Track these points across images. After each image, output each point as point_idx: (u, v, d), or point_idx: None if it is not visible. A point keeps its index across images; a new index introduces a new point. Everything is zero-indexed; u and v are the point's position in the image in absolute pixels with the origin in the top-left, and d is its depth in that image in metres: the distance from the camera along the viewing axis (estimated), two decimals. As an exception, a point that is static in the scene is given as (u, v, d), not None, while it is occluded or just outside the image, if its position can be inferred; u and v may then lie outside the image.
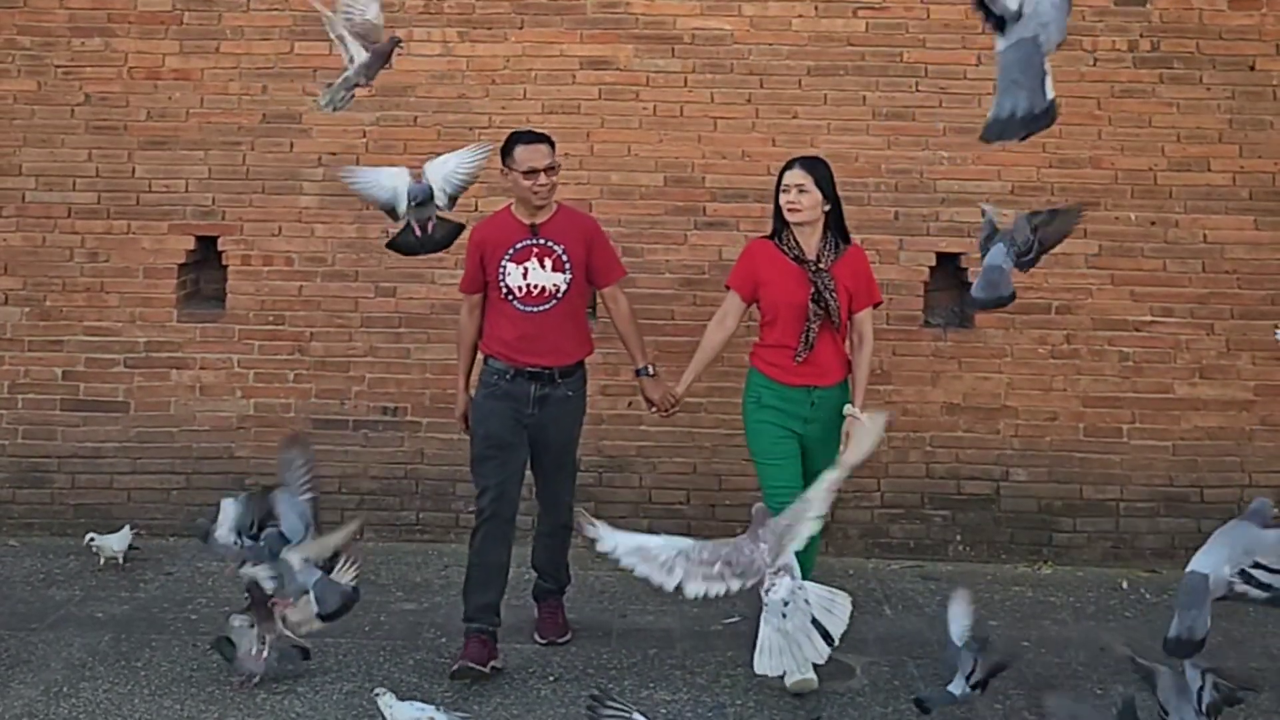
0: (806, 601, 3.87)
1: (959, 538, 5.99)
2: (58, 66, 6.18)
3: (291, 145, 6.15)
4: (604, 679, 4.58)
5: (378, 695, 4.01)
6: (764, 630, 3.91)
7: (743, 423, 4.75)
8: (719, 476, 6.04)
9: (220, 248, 6.18)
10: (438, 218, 4.39)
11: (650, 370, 4.85)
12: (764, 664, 3.92)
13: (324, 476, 6.06)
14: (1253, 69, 6.03)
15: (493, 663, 4.49)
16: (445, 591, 5.34)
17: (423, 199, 4.32)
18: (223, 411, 6.14)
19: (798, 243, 4.57)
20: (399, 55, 4.40)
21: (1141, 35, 6.03)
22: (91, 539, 5.63)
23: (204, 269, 6.32)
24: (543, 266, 4.60)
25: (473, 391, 4.79)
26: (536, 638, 4.87)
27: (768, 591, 3.89)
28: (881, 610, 5.31)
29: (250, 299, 6.15)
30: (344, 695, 4.39)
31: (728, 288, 4.73)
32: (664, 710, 4.32)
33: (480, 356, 4.81)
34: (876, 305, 4.78)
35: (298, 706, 4.29)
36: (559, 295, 4.61)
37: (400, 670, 4.61)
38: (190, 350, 6.15)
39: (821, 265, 4.53)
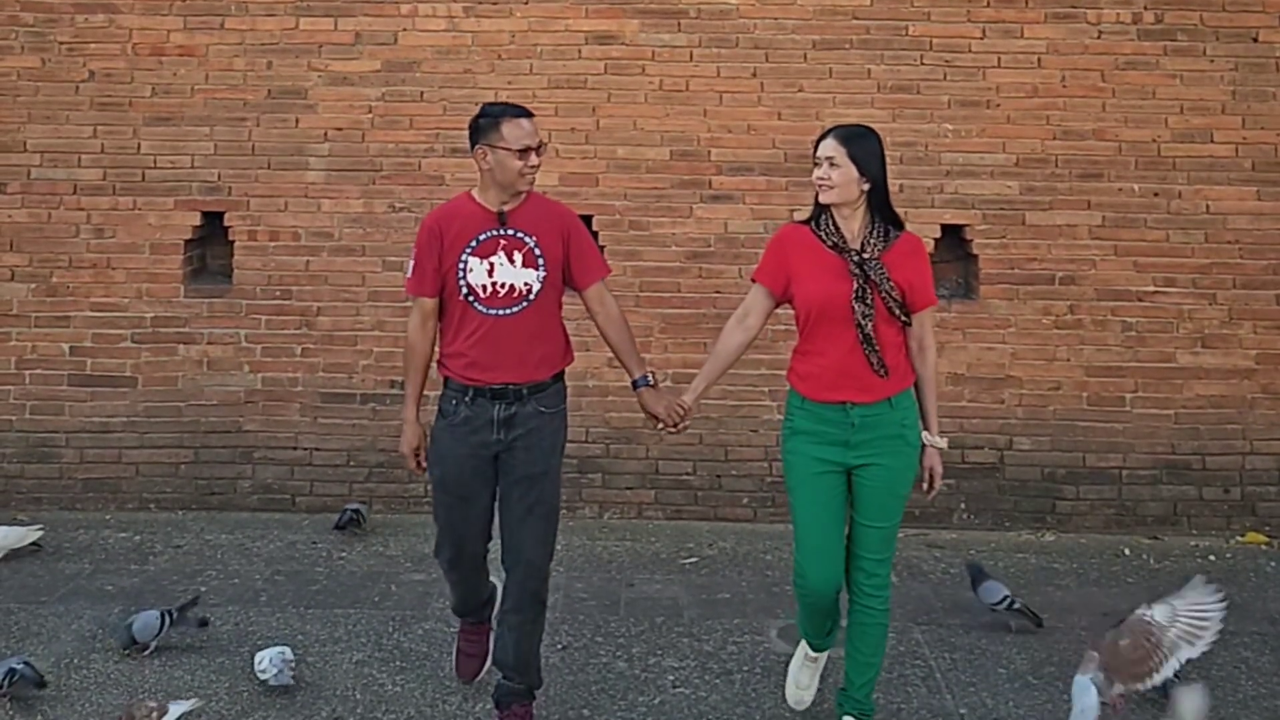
0: None
1: (963, 506, 6.03)
2: (61, 43, 6.19)
3: (297, 121, 6.16)
4: (612, 647, 4.63)
5: None
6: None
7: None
8: (725, 448, 6.07)
9: (226, 223, 6.20)
10: None
11: (650, 380, 4.05)
12: None
13: (331, 450, 6.16)
14: (1256, 41, 6.04)
15: (491, 633, 4.33)
16: (454, 563, 5.38)
17: None
18: (230, 386, 6.17)
19: (837, 228, 3.77)
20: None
21: (1145, 8, 6.04)
22: None
23: (210, 244, 6.35)
24: (511, 262, 3.87)
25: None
26: None
27: None
28: (887, 579, 5.35)
29: (257, 274, 6.17)
30: (354, 665, 4.44)
31: (753, 281, 3.93)
32: (671, 678, 4.37)
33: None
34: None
35: (308, 675, 4.33)
36: (530, 296, 3.87)
37: (410, 640, 4.66)
38: (197, 325, 6.18)
39: (867, 255, 3.72)
